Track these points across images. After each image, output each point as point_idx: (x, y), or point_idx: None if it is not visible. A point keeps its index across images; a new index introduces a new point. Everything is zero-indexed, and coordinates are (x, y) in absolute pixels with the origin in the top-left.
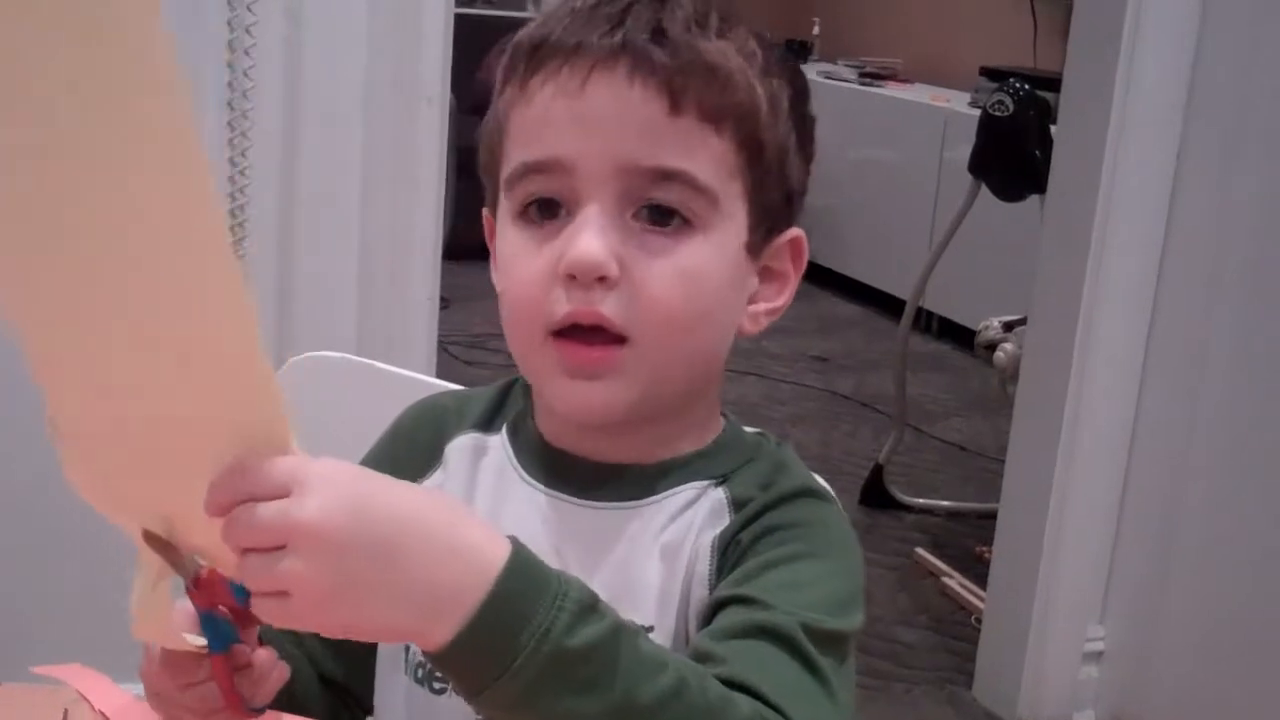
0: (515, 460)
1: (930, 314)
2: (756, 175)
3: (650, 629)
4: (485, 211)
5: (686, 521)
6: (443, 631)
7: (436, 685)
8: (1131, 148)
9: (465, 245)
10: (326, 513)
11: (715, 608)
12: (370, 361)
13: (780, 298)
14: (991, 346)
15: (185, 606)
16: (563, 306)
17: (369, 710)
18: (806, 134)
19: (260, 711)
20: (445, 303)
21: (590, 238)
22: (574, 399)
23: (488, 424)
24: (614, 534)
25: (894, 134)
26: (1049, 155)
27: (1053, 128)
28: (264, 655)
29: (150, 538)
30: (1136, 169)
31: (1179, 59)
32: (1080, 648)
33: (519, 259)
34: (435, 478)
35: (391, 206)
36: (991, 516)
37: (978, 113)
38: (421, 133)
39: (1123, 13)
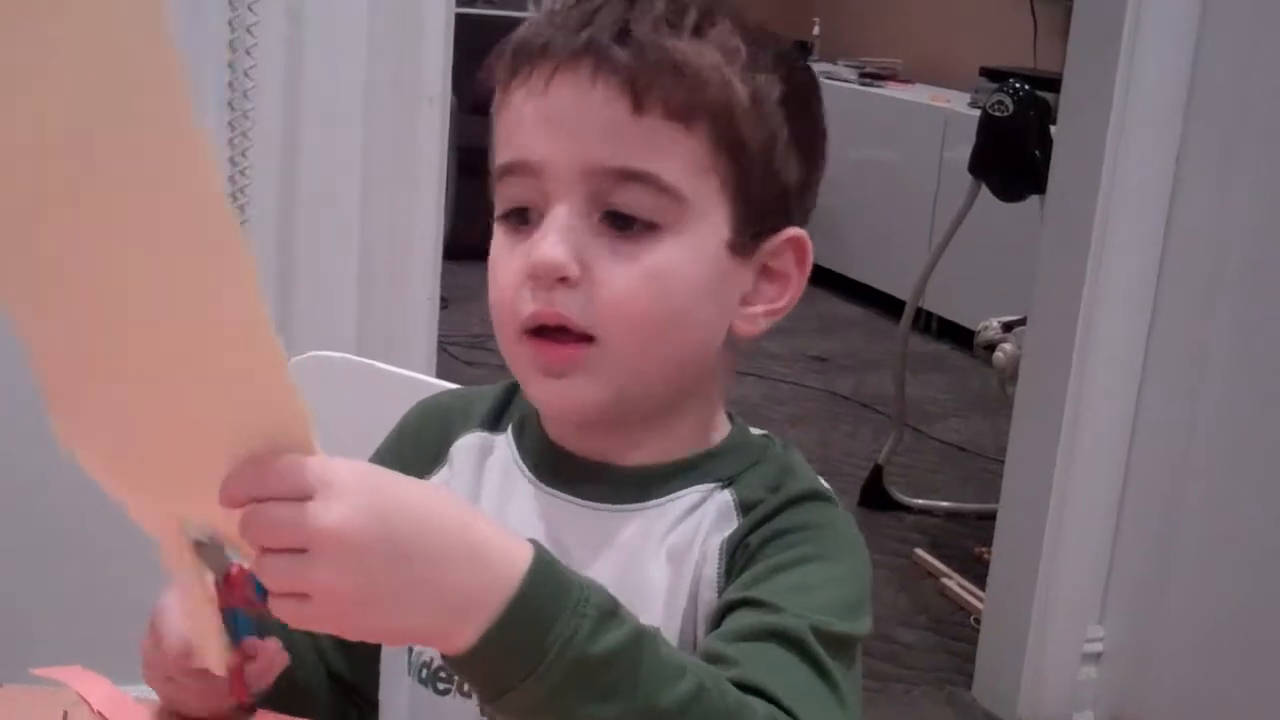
0: (520, 460)
1: (930, 314)
2: (738, 173)
3: (655, 630)
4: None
5: (693, 524)
6: (464, 636)
7: (441, 686)
8: (1131, 148)
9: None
10: (351, 518)
11: (724, 610)
12: (370, 361)
13: (782, 298)
14: (991, 347)
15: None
16: (529, 306)
17: (375, 707)
18: (807, 130)
19: (254, 709)
20: (445, 303)
21: (551, 240)
22: (547, 397)
23: (493, 423)
24: (618, 535)
25: (894, 134)
26: (1049, 155)
27: (1052, 128)
28: (271, 645)
29: (199, 546)
30: (1136, 169)
31: (1179, 59)
32: (1080, 648)
33: (498, 262)
34: (440, 476)
35: (392, 206)
36: (991, 517)
37: (978, 113)
38: (422, 132)
39: (1122, 13)
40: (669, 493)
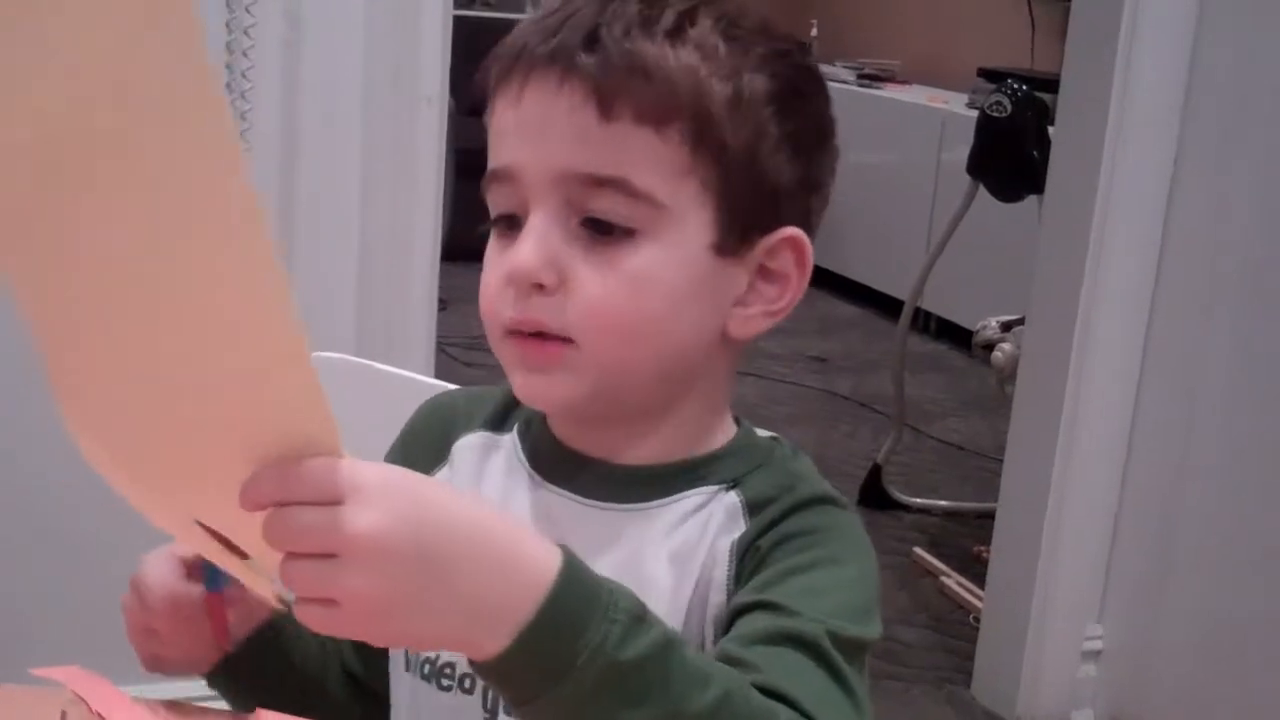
0: (525, 459)
1: (928, 314)
2: (720, 174)
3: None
4: None
5: (698, 526)
6: (494, 643)
7: (444, 682)
8: (1129, 148)
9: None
10: (384, 523)
11: (736, 613)
12: (369, 362)
13: (782, 299)
14: (989, 346)
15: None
16: (509, 312)
17: (385, 704)
18: (803, 127)
19: (253, 709)
20: (443, 304)
21: (526, 248)
22: (528, 390)
23: (499, 423)
24: (621, 535)
25: (892, 135)
26: (1047, 156)
27: (1050, 129)
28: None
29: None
30: (1134, 169)
31: (1176, 60)
32: (1079, 646)
33: (488, 266)
34: (441, 475)
35: (390, 207)
36: (990, 516)
37: (975, 114)
38: (420, 134)
39: (1120, 13)
40: (671, 493)
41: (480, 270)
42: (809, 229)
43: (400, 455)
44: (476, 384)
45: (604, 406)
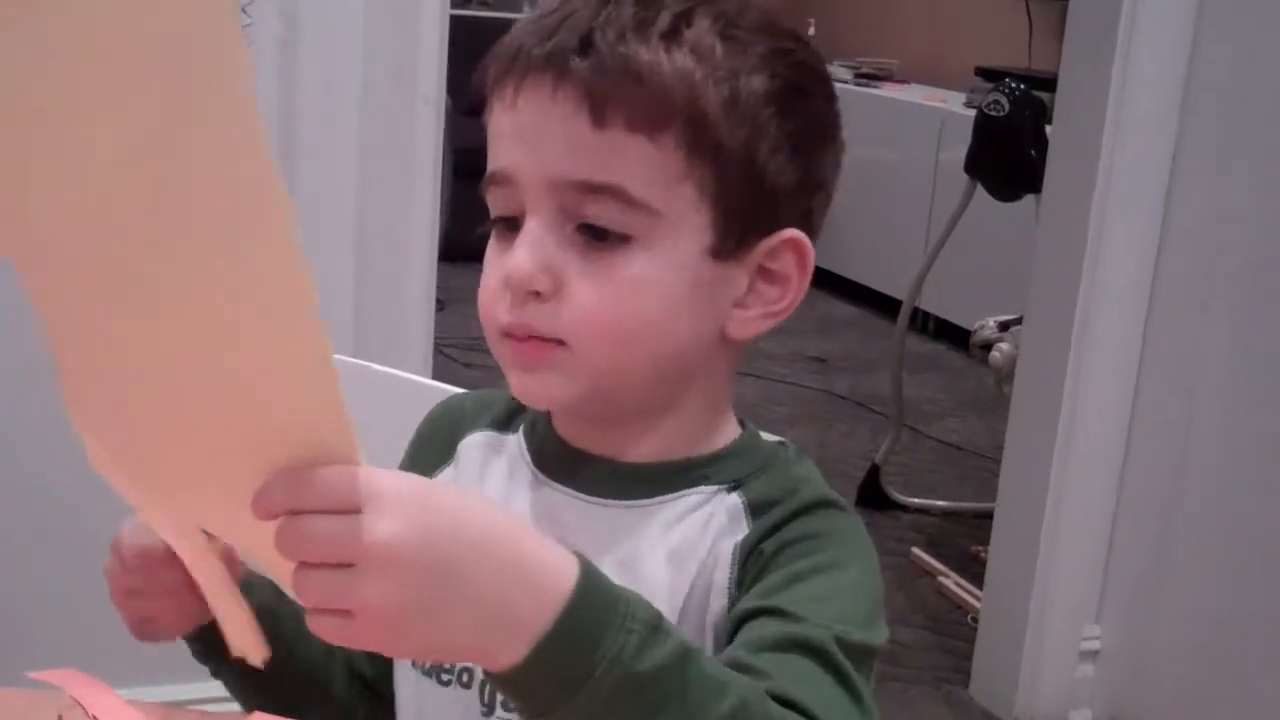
0: (529, 457)
1: (926, 314)
2: (716, 177)
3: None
4: None
5: (698, 526)
6: (510, 654)
7: (444, 677)
8: (1127, 147)
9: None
10: (400, 534)
11: (742, 619)
12: (366, 363)
13: (783, 300)
14: (987, 346)
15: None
16: (504, 316)
17: (387, 702)
18: (804, 126)
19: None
20: (441, 305)
21: (520, 254)
22: (521, 388)
23: (505, 423)
24: (621, 532)
25: (890, 134)
26: (1044, 155)
27: (1048, 128)
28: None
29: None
30: (1132, 168)
31: (1174, 58)
32: (1076, 647)
33: (487, 267)
34: (446, 474)
35: (388, 208)
36: (988, 516)
37: (973, 113)
38: (418, 134)
39: (1118, 12)
40: (671, 491)
41: (478, 271)
42: (811, 228)
43: (410, 460)
44: (474, 384)
45: (601, 406)
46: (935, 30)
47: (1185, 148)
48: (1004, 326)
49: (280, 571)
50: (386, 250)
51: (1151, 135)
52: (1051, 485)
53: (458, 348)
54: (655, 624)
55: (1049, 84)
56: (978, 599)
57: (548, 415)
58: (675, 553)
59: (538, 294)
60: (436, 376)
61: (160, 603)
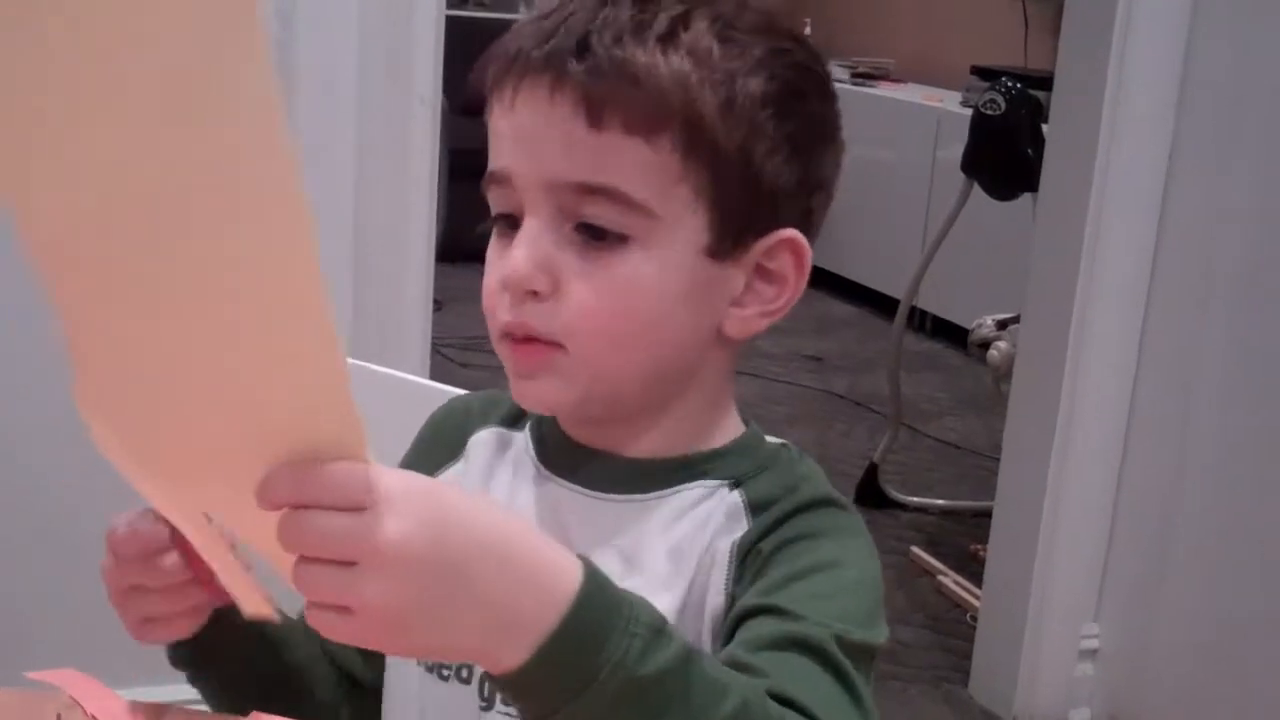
0: (534, 453)
1: (924, 313)
2: (713, 179)
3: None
4: None
5: (698, 522)
6: (513, 656)
7: (443, 672)
8: (1124, 145)
9: (458, 247)
10: (406, 534)
11: (741, 616)
12: (363, 363)
13: (780, 299)
14: (985, 345)
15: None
16: (504, 315)
17: (372, 694)
18: (803, 127)
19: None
20: (438, 305)
21: (519, 254)
22: (520, 394)
23: (513, 421)
24: (622, 527)
25: (887, 134)
26: (1041, 154)
27: (1044, 126)
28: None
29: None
30: (1129, 166)
31: (1171, 56)
32: (1075, 645)
33: (488, 266)
34: (455, 469)
35: (385, 208)
36: (986, 515)
37: (970, 112)
38: (414, 134)
39: (1114, 11)
40: (670, 486)
41: (475, 271)
42: (810, 228)
43: (415, 456)
44: (472, 385)
45: (599, 407)
46: (931, 29)
47: (1182, 146)
48: (1002, 325)
49: (280, 563)
50: (383, 250)
51: (1148, 134)
52: (1050, 484)
53: (455, 348)
54: (659, 627)
55: (1045, 83)
56: (977, 598)
57: None
58: (675, 548)
59: (535, 294)
60: (434, 377)
61: (161, 600)
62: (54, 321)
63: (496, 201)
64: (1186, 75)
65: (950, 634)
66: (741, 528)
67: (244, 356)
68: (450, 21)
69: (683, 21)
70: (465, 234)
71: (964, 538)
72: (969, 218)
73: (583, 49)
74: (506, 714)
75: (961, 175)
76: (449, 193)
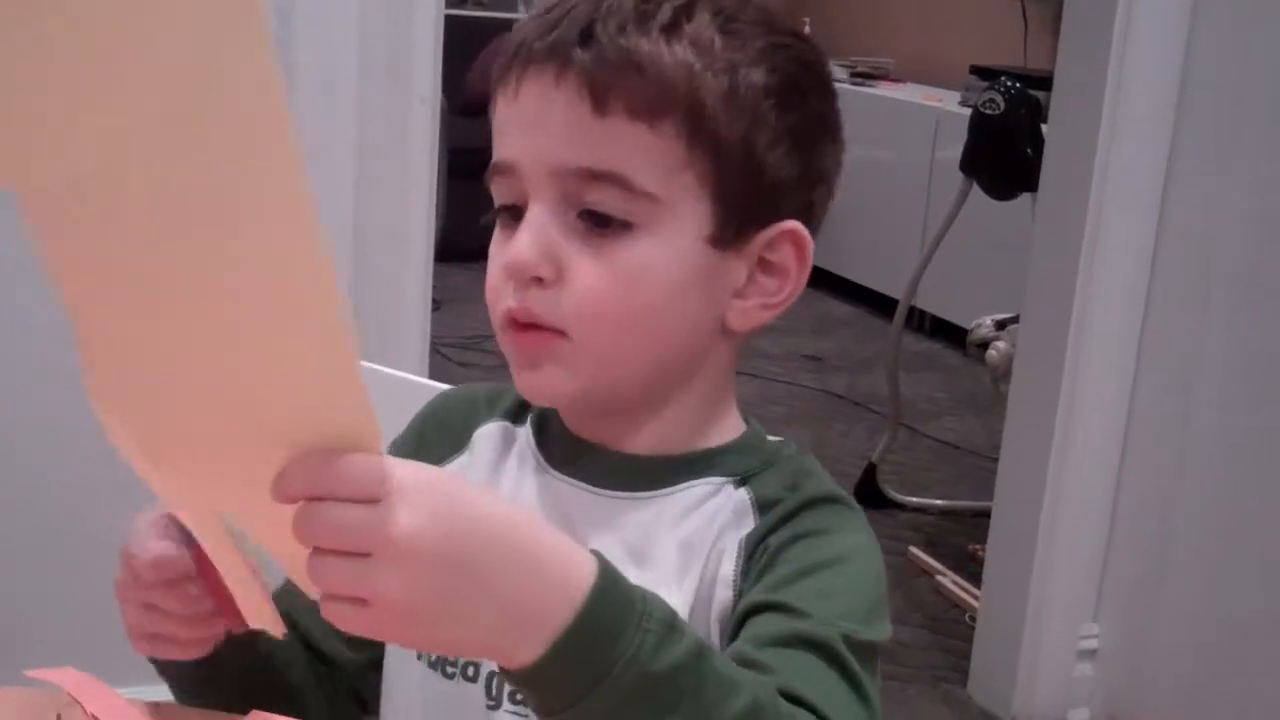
0: (536, 448)
1: (923, 313)
2: (716, 168)
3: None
4: None
5: (706, 518)
6: (527, 651)
7: (448, 670)
8: (1123, 145)
9: (457, 247)
10: (421, 527)
11: (747, 611)
12: (363, 363)
13: (781, 292)
14: (984, 345)
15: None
16: (508, 302)
17: (357, 693)
18: (804, 120)
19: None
20: (437, 304)
21: (523, 240)
22: (524, 385)
23: (516, 415)
24: (627, 524)
25: (886, 133)
26: (1040, 153)
27: (1044, 126)
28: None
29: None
30: (1128, 166)
31: (1170, 57)
32: (1074, 645)
33: (491, 256)
34: (460, 462)
35: (384, 208)
36: (985, 515)
37: (969, 112)
38: (413, 134)
39: (1113, 10)
40: (674, 484)
41: (474, 270)
42: (811, 222)
43: (414, 439)
44: (470, 384)
45: (602, 399)
46: (930, 29)
47: (1181, 146)
48: (1001, 325)
49: (291, 561)
50: (383, 250)
51: (1147, 133)
52: (1049, 484)
53: (454, 347)
54: (671, 623)
55: (1044, 82)
56: (975, 598)
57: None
58: (685, 544)
59: (540, 280)
60: (433, 376)
61: (178, 625)
62: (63, 320)
63: (500, 193)
64: (1186, 75)
65: (949, 634)
66: (749, 524)
67: (255, 351)
68: (449, 21)
69: (685, 13)
70: (464, 233)
71: (963, 538)
72: (968, 217)
73: (586, 38)
74: (514, 712)
75: (960, 175)
76: (448, 192)
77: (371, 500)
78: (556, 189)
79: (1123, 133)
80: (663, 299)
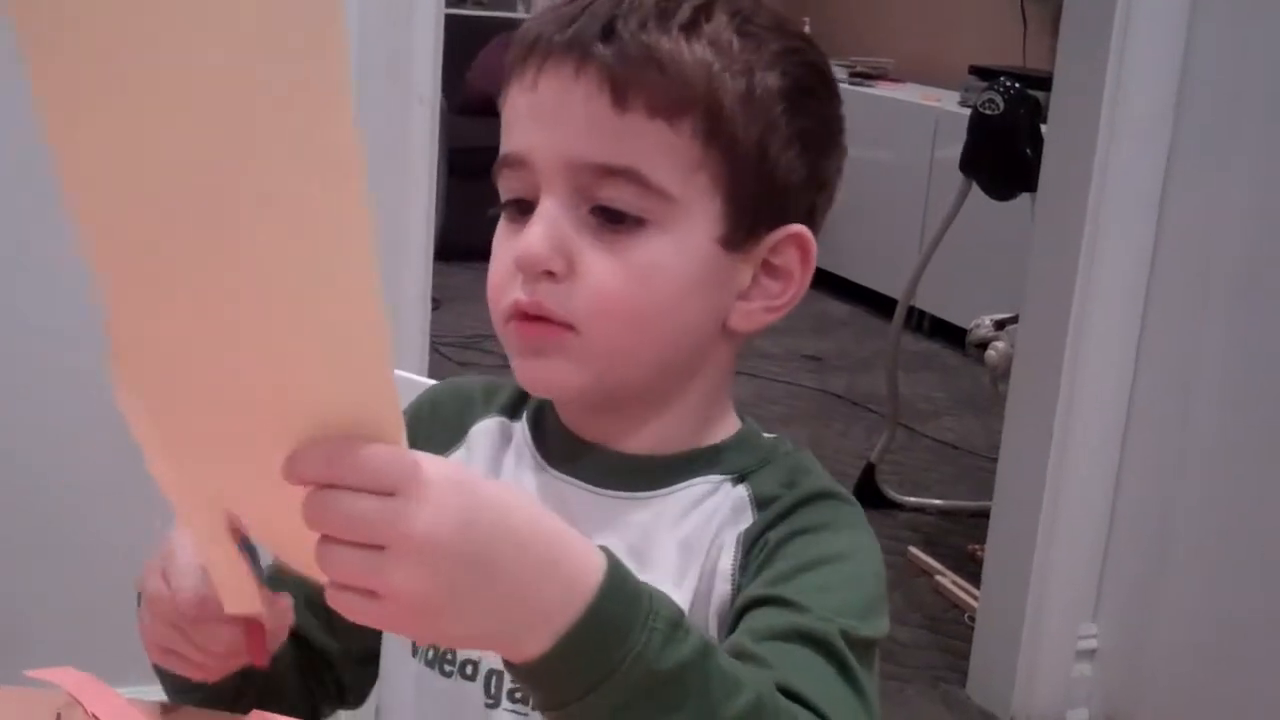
0: (533, 446)
1: (922, 313)
2: (730, 169)
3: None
4: None
5: (705, 515)
6: (534, 646)
7: (445, 668)
8: (1122, 145)
9: (456, 246)
10: (437, 524)
11: (747, 606)
12: None
13: (784, 295)
14: (983, 345)
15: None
16: (516, 294)
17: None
18: (813, 124)
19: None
20: (436, 303)
21: (535, 233)
22: (527, 375)
23: (513, 410)
24: (626, 523)
25: (885, 133)
26: (1039, 153)
27: (1043, 126)
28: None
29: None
30: (1127, 166)
31: (1169, 56)
32: (1073, 645)
33: (497, 250)
34: (458, 456)
35: (383, 207)
36: (984, 515)
37: (968, 112)
38: (413, 133)
39: (1112, 10)
40: (673, 483)
41: (473, 269)
42: (813, 226)
43: (411, 437)
44: (461, 377)
45: (604, 395)
46: (930, 29)
47: (1180, 145)
48: (1000, 325)
49: (294, 552)
50: (382, 249)
51: (1147, 133)
52: (1048, 484)
53: (453, 346)
54: (678, 621)
55: (1044, 82)
56: (974, 598)
57: (551, 403)
58: (685, 543)
59: (551, 274)
60: (432, 375)
61: (203, 655)
62: (62, 321)
63: (509, 185)
64: (1185, 75)
65: (948, 634)
66: (747, 520)
67: (290, 337)
68: (448, 20)
69: (704, 12)
70: (464, 232)
71: (962, 538)
72: (967, 217)
73: (608, 33)
74: (513, 711)
75: (960, 175)
76: (447, 191)
77: (389, 492)
78: (570, 183)
79: (1122, 132)
80: (672, 298)
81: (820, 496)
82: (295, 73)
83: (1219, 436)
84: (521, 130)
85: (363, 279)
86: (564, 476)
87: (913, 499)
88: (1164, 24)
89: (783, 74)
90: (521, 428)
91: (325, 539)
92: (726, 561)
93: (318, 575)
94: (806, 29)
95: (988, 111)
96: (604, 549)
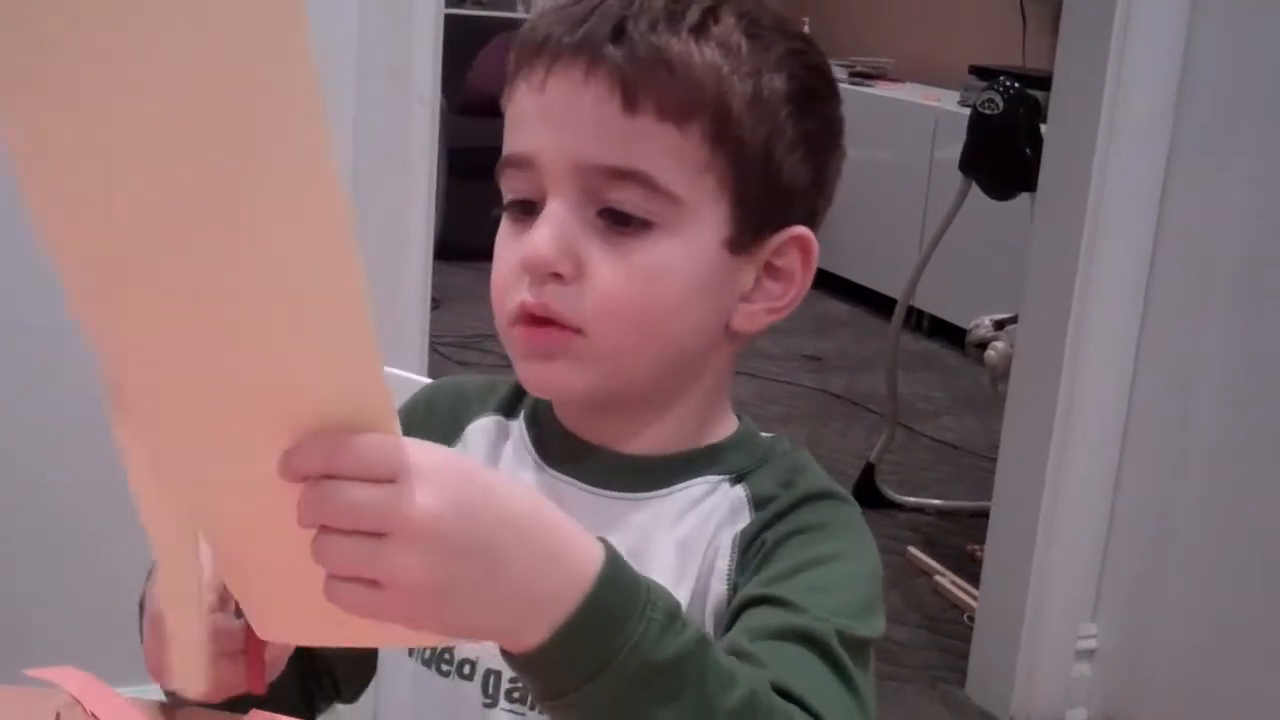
0: (531, 445)
1: (921, 313)
2: (737, 171)
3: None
4: None
5: (702, 516)
6: (532, 636)
7: (443, 668)
8: (1122, 145)
9: (456, 246)
10: (437, 510)
11: (743, 605)
12: None
13: (786, 296)
14: (983, 345)
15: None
16: (523, 296)
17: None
18: (816, 128)
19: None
20: (436, 303)
21: (543, 235)
22: (531, 378)
23: (509, 409)
24: (626, 523)
25: (885, 133)
26: (1039, 153)
27: (1043, 126)
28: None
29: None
30: (1127, 166)
31: (1170, 55)
32: (1073, 645)
33: (501, 251)
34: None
35: (383, 206)
36: (984, 515)
37: (968, 111)
38: (412, 133)
39: (1112, 10)
40: (674, 483)
41: (473, 269)
42: (814, 228)
43: (406, 433)
44: (455, 376)
45: (607, 397)
46: (929, 29)
47: (1180, 145)
48: (999, 325)
49: (272, 575)
50: (382, 249)
51: (1147, 132)
52: (1047, 484)
53: (453, 346)
54: (675, 612)
55: (1044, 82)
56: (974, 598)
57: (549, 403)
58: (683, 544)
59: (558, 276)
60: (432, 375)
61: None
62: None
63: (513, 186)
64: (1185, 75)
65: (947, 634)
66: (744, 519)
67: (272, 331)
68: (448, 20)
69: (713, 14)
70: (463, 232)
71: (961, 538)
72: (967, 217)
73: (618, 34)
74: (511, 711)
75: (959, 175)
76: (447, 191)
77: (387, 480)
78: (578, 185)
79: (1121, 132)
80: (678, 300)
81: (818, 496)
82: (260, 72)
83: (1219, 436)
84: (528, 131)
85: (344, 270)
86: (562, 476)
87: (912, 499)
88: (1164, 24)
89: (789, 76)
90: (519, 426)
91: (323, 531)
92: (723, 563)
93: (292, 600)
94: (806, 29)
95: (987, 111)
96: (602, 540)
